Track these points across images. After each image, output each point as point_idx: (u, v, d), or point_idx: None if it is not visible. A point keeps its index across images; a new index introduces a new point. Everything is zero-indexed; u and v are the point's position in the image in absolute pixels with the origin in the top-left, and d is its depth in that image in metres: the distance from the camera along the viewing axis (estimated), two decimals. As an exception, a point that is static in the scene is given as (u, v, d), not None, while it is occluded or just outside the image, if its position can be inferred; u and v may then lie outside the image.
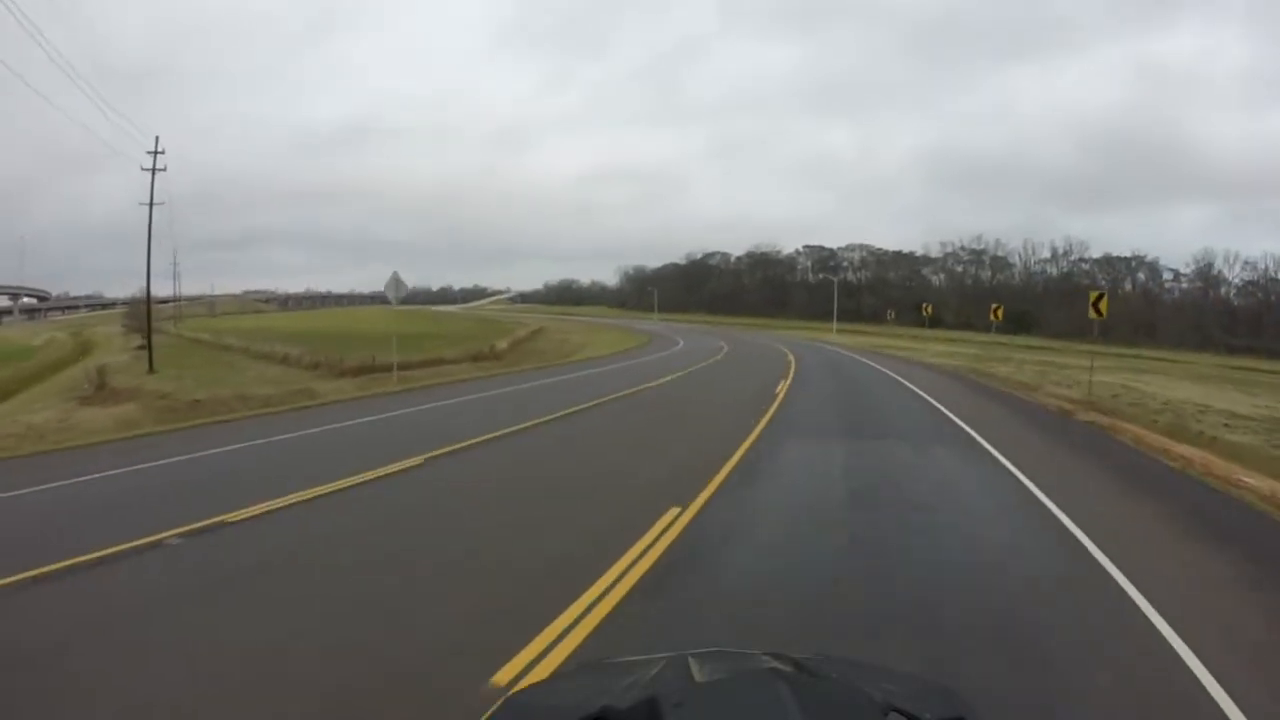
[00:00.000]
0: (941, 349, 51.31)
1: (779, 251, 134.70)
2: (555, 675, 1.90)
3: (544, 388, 23.83)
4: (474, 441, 12.79)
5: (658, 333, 68.03)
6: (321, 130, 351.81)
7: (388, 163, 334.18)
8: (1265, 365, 63.02)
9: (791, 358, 35.89)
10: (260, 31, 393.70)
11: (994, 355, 48.22)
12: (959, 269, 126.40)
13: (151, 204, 32.95)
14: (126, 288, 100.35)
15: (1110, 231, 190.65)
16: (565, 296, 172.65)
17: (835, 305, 67.85)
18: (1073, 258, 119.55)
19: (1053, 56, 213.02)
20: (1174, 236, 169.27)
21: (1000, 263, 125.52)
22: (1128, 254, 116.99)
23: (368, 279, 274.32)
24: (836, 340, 59.71)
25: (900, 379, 27.42)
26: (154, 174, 33.61)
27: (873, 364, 34.29)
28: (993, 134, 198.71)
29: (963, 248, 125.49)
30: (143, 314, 38.13)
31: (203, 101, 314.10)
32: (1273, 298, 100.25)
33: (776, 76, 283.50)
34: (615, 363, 35.56)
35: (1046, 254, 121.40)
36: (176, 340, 55.74)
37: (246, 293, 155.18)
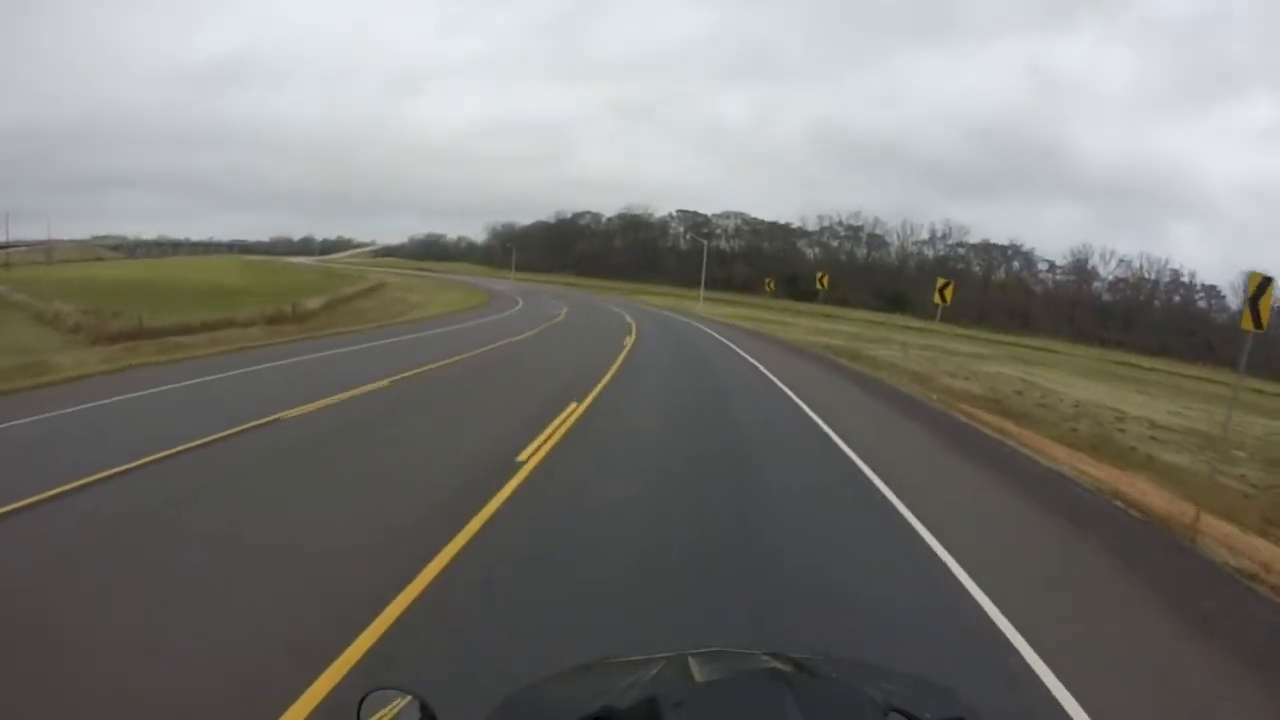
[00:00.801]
0: (815, 325, 44.24)
1: (651, 214, 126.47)
2: (555, 675, 1.48)
3: (317, 363, 16.80)
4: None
5: (503, 293, 58.24)
6: (196, 64, 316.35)
7: (266, 103, 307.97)
8: (1144, 361, 61.03)
9: (630, 339, 25.13)
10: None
11: (873, 336, 41.48)
12: (834, 244, 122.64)
13: None
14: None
15: (987, 221, 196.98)
16: (431, 252, 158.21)
17: (704, 272, 59.28)
18: (950, 241, 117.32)
19: (948, 46, 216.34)
20: (1046, 232, 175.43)
21: (876, 240, 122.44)
22: (1005, 242, 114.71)
23: (232, 226, 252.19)
24: (701, 312, 49.46)
25: (767, 371, 18.47)
26: None
27: (728, 342, 26.60)
28: (882, 116, 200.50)
29: (840, 223, 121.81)
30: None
31: (67, 25, 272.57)
32: (1142, 295, 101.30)
33: (678, 40, 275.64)
34: (436, 328, 28.04)
35: (925, 235, 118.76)
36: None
37: (95, 239, 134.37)
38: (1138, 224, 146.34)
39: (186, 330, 23.98)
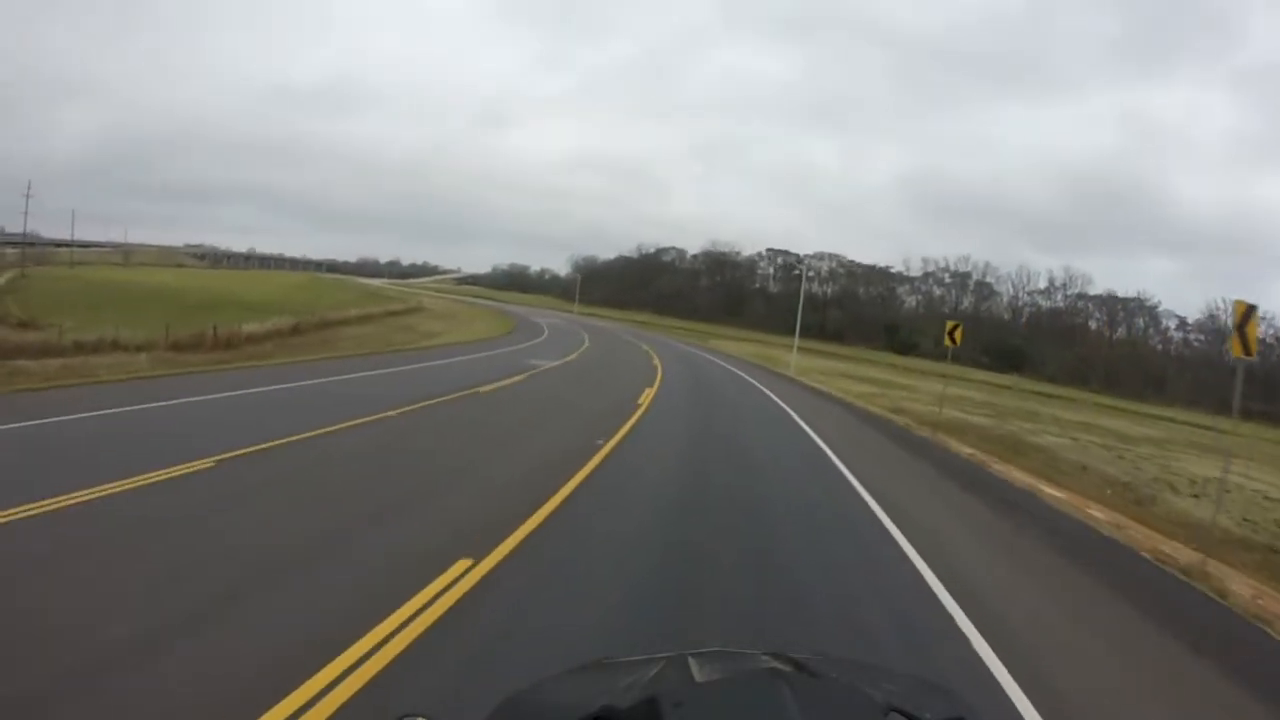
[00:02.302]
0: (933, 389, 36.05)
1: (739, 253, 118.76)
2: (555, 675, 1.48)
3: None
4: None
5: (541, 327, 51.36)
6: (298, 88, 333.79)
7: (367, 129, 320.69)
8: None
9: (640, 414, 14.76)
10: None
11: (1012, 407, 33.12)
12: (938, 292, 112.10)
13: None
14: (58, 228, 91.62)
15: (1094, 275, 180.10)
16: (514, 282, 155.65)
17: (799, 316, 49.97)
18: (1071, 292, 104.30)
19: (1041, 96, 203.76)
20: (1143, 286, 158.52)
21: (984, 289, 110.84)
22: (1129, 294, 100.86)
23: (330, 246, 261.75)
24: (795, 369, 36.05)
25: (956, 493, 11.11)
26: None
27: (872, 442, 16.10)
28: (973, 165, 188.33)
29: (945, 268, 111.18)
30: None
31: (180, 43, 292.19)
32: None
33: (768, 84, 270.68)
34: (401, 365, 21.52)
35: (1042, 284, 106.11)
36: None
37: (189, 246, 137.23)
38: (1231, 278, 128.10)
39: (46, 352, 18.23)
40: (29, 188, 65.83)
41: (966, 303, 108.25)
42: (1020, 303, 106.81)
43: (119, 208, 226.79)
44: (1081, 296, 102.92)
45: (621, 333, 57.15)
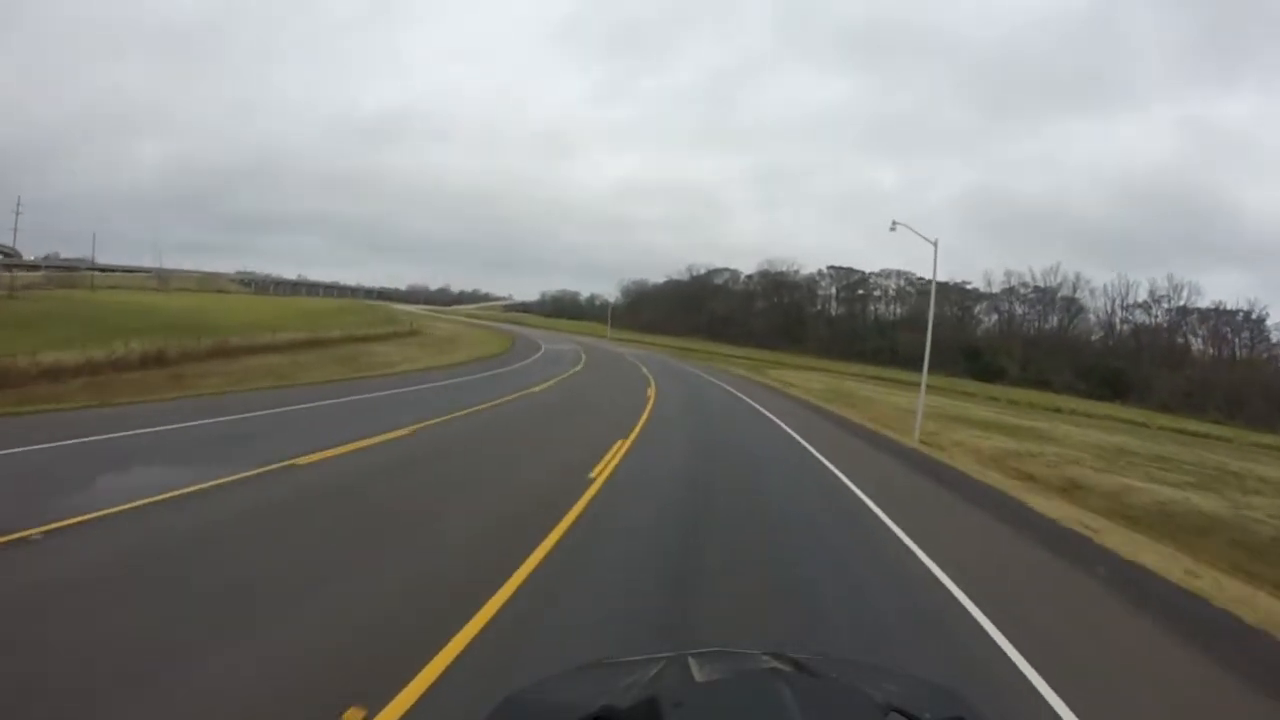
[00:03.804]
0: (1087, 437, 27.93)
1: (797, 271, 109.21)
2: (555, 675, 1.48)
3: None
4: None
5: (550, 355, 42.32)
6: (360, 118, 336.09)
7: (425, 159, 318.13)
8: None
9: None
10: (315, 9, 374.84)
11: (1199, 461, 24.77)
12: (1019, 310, 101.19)
13: None
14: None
15: (1189, 285, 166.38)
16: (564, 309, 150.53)
17: (928, 351, 40.90)
18: (1172, 305, 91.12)
19: (1105, 111, 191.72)
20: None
21: (1070, 305, 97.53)
22: (1239, 307, 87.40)
23: (384, 274, 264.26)
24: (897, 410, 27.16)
25: None
26: None
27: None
28: (1036, 183, 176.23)
29: (1026, 284, 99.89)
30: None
31: (245, 74, 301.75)
32: None
33: (828, 108, 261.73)
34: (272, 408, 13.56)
35: (1142, 295, 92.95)
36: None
37: (240, 273, 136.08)
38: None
39: None
40: (18, 204, 64.17)
41: (1052, 321, 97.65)
42: (1115, 319, 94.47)
43: (182, 237, 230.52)
44: (1185, 310, 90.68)
45: (644, 361, 44.81)
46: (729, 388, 31.21)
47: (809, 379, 46.12)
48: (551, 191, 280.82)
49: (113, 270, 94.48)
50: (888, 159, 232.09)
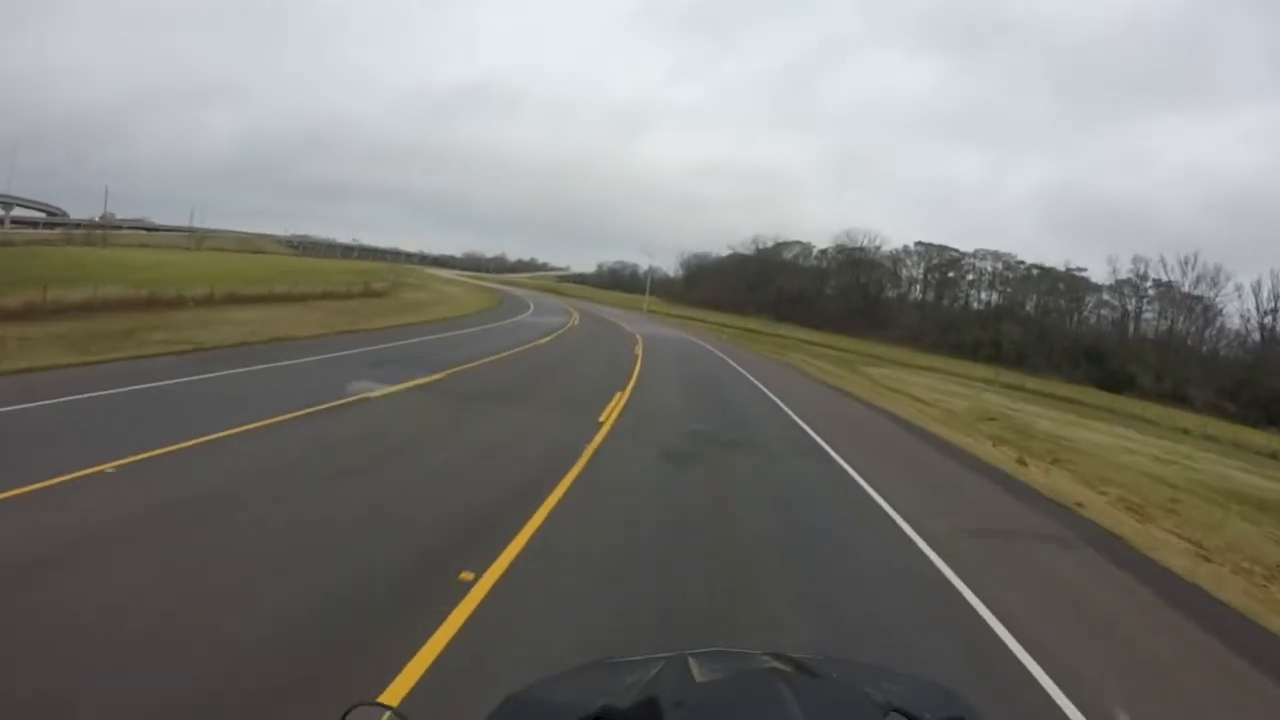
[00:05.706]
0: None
1: (879, 248, 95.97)
2: (555, 675, 1.50)
3: None
4: None
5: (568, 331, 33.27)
6: (436, 91, 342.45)
7: (501, 133, 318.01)
8: None
9: None
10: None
11: None
12: (1143, 309, 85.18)
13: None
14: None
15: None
16: (620, 281, 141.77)
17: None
18: None
19: (1198, 110, 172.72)
20: None
21: (1197, 304, 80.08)
22: None
23: (450, 243, 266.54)
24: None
25: None
26: None
27: None
28: (1122, 182, 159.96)
29: (1144, 275, 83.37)
30: None
31: (319, 47, 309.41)
32: None
33: (909, 94, 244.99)
34: None
35: None
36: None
37: (296, 236, 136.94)
38: None
39: None
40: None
41: (1180, 323, 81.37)
42: (1263, 317, 76.04)
43: (261, 202, 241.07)
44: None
45: (658, 350, 29.56)
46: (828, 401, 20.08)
47: (930, 386, 34.71)
48: (620, 168, 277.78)
49: (163, 230, 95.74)
50: (971, 145, 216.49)
